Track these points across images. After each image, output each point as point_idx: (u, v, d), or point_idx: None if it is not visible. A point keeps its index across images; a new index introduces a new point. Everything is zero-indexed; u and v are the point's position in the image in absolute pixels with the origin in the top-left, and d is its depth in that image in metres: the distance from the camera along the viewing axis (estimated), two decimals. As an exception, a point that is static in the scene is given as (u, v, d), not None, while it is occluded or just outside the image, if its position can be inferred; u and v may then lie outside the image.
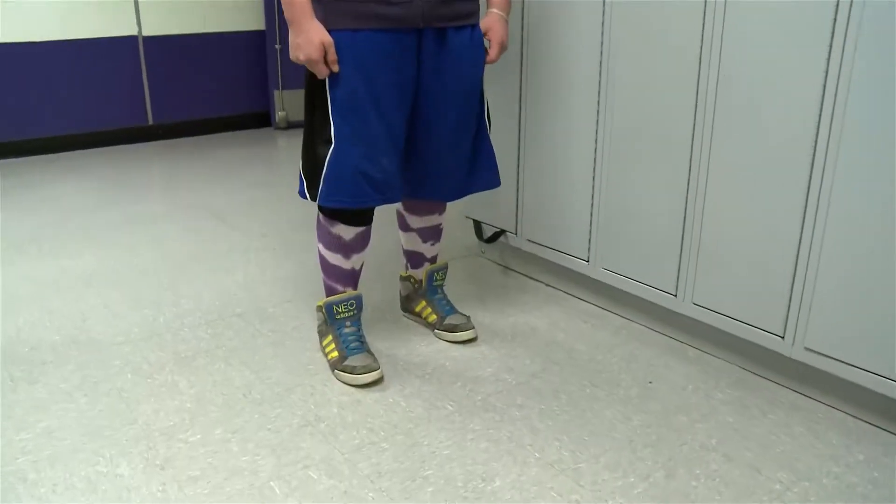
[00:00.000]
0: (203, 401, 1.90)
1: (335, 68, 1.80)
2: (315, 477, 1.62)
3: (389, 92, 1.84)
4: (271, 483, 1.60)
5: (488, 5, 2.03)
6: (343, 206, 1.90)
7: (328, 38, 1.78)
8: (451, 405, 1.88)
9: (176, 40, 4.76)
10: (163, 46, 4.72)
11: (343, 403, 1.89)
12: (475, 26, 1.96)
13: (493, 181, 2.12)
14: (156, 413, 1.85)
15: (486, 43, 2.00)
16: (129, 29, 4.61)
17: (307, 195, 1.94)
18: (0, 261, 2.84)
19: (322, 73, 1.81)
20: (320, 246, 2.04)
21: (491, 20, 2.00)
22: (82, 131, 4.62)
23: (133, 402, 1.90)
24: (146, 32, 4.66)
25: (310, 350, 2.15)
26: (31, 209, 3.48)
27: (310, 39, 1.77)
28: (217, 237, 3.11)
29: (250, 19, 5.03)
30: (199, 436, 1.76)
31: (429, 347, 2.17)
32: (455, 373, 2.03)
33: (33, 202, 3.59)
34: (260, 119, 5.24)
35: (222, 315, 2.38)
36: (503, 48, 2.01)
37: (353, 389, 1.95)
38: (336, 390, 1.95)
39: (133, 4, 4.57)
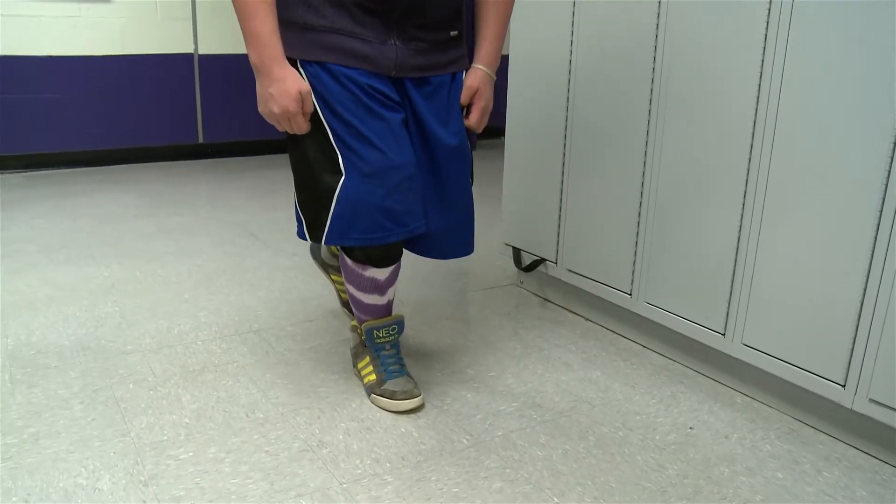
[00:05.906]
0: (203, 417, 1.78)
1: (307, 124, 1.63)
2: (307, 507, 1.47)
3: (390, 115, 1.64)
4: (258, 510, 1.45)
5: (474, 58, 1.78)
6: (357, 244, 1.68)
7: (306, 86, 1.58)
8: (467, 439, 1.72)
9: (232, 60, 4.75)
10: (218, 65, 4.72)
11: (350, 430, 1.74)
12: (457, 74, 1.75)
13: (468, 249, 1.88)
14: (150, 426, 1.73)
15: (465, 101, 1.76)
16: (185, 46, 4.62)
17: (307, 236, 1.74)
18: (26, 264, 2.79)
19: (300, 127, 1.62)
20: (351, 288, 1.84)
21: (477, 79, 1.75)
22: (132, 146, 4.63)
23: (130, 413, 1.78)
24: (202, 51, 4.67)
25: (323, 372, 2.01)
26: (67, 216, 3.45)
27: (285, 90, 1.56)
28: (247, 253, 3.01)
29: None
30: (191, 453, 1.63)
31: (451, 377, 2.01)
32: (476, 405, 1.87)
33: (71, 210, 3.57)
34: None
35: (239, 330, 2.27)
36: (486, 114, 1.78)
37: (363, 416, 1.80)
38: (345, 415, 1.80)
39: (191, 22, 4.59)
